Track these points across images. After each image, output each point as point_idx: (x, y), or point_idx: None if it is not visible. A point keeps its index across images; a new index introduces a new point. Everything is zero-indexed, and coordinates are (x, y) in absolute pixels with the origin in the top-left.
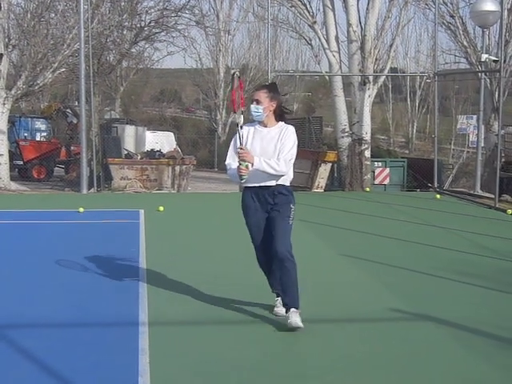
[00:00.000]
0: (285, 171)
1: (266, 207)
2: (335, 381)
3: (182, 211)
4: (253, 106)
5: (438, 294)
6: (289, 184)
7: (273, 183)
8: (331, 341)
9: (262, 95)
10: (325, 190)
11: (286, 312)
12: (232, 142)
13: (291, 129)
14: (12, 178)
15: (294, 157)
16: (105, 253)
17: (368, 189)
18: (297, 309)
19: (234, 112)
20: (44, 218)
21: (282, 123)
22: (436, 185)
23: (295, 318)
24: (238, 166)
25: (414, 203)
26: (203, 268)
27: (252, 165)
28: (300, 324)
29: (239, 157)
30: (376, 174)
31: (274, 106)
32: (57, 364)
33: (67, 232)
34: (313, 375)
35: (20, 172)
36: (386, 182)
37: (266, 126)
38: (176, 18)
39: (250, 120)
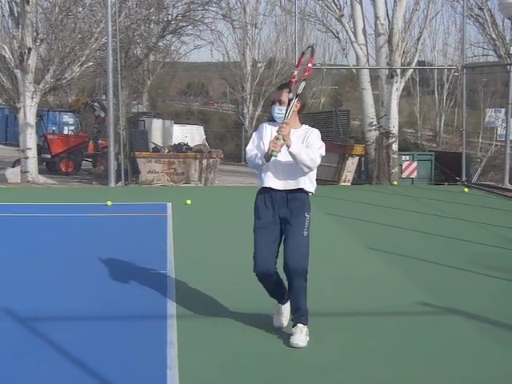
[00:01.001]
0: (318, 163)
1: (277, 213)
2: (360, 372)
3: (209, 204)
4: (276, 108)
5: (464, 288)
6: (312, 191)
7: (292, 187)
8: (357, 333)
9: (286, 95)
10: (352, 184)
11: (293, 326)
12: (256, 133)
13: (317, 131)
14: (40, 172)
15: (323, 156)
16: (133, 246)
17: (395, 182)
18: (304, 324)
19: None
20: (72, 212)
21: (306, 126)
22: (464, 178)
23: (299, 335)
24: (273, 140)
25: (441, 197)
26: (231, 261)
27: (288, 147)
28: (302, 344)
29: (278, 131)
30: (403, 167)
31: (299, 106)
32: (85, 357)
33: (95, 225)
34: (338, 367)
35: (48, 165)
36: (414, 175)
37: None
38: (203, 11)
39: (272, 118)
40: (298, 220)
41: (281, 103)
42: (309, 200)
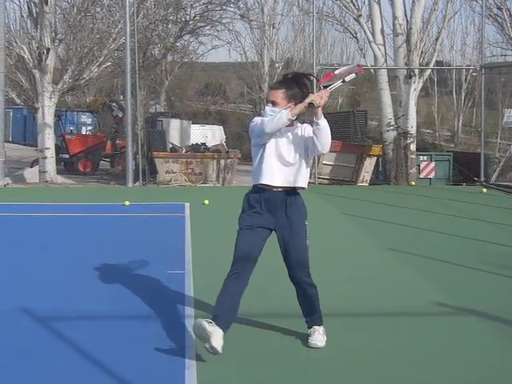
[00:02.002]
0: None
1: (272, 220)
2: (373, 374)
3: (227, 204)
4: (268, 109)
5: (478, 287)
6: (306, 186)
7: (291, 184)
8: (371, 334)
9: (280, 96)
10: (370, 184)
11: (309, 328)
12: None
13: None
14: (58, 172)
15: None
16: (150, 246)
17: (413, 183)
18: (320, 325)
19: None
20: (90, 211)
21: (299, 124)
22: (482, 179)
23: (318, 336)
24: (315, 94)
25: (459, 197)
26: None
27: (317, 119)
28: (320, 344)
29: (319, 94)
30: (421, 167)
31: (293, 106)
32: (103, 356)
33: (113, 225)
34: (350, 368)
35: (66, 165)
36: (432, 175)
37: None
38: (221, 11)
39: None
40: (300, 231)
41: (274, 104)
42: (304, 204)
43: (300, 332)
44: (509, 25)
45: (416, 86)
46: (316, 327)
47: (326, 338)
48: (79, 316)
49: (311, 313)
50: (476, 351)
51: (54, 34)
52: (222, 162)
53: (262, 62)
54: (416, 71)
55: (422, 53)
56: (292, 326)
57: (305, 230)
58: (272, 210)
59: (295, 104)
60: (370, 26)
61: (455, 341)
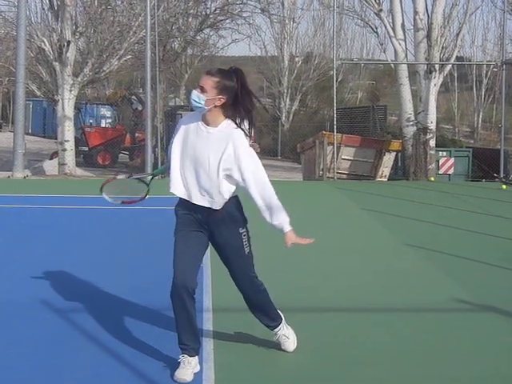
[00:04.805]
0: (266, 179)
1: (204, 227)
2: (396, 368)
3: (245, 199)
4: (194, 93)
5: (498, 284)
6: (230, 195)
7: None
8: (392, 329)
9: (210, 83)
10: (389, 179)
11: (275, 334)
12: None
13: (241, 135)
14: (77, 164)
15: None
16: (168, 239)
17: (432, 178)
18: (280, 324)
19: None
20: (109, 204)
21: (227, 122)
22: (502, 175)
23: (286, 342)
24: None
25: (478, 193)
26: (267, 255)
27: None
28: (292, 348)
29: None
30: (441, 163)
31: (223, 100)
32: (120, 347)
33: (132, 218)
34: (372, 362)
35: (85, 158)
36: (451, 171)
37: (208, 125)
38: (241, 5)
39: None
40: (235, 243)
41: (202, 90)
42: (238, 205)
43: (313, 325)
44: None
45: (436, 81)
46: (280, 332)
47: (295, 339)
48: (99, 306)
49: (270, 320)
50: (494, 348)
51: (74, 27)
52: None
53: (282, 56)
54: (436, 66)
55: (442, 48)
56: (306, 320)
57: (241, 240)
58: (200, 217)
59: (226, 98)
60: (390, 20)
61: (474, 337)
